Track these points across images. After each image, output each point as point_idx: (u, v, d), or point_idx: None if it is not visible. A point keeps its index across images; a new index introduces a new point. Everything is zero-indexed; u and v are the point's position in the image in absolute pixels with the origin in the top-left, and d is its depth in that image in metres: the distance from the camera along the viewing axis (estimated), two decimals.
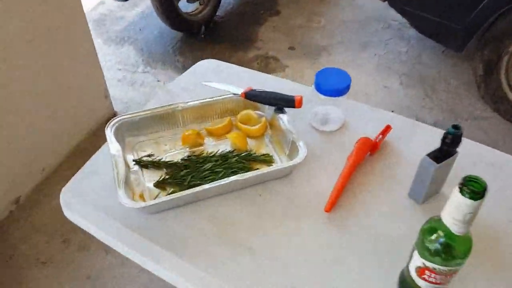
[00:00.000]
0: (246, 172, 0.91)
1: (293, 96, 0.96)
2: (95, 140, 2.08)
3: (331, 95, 0.95)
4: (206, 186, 0.83)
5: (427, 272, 0.64)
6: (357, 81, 2.41)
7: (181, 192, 0.82)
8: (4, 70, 1.57)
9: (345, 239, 0.81)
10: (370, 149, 0.94)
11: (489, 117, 2.17)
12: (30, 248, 1.65)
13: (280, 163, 0.94)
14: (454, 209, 0.58)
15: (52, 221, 1.72)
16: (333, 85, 0.95)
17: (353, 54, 2.62)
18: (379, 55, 2.59)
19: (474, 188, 0.55)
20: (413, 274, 0.67)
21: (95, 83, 2.09)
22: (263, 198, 0.88)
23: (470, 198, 0.55)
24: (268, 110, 1.02)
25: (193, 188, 0.83)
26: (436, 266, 0.63)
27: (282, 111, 0.98)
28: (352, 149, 0.95)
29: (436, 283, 0.65)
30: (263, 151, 0.97)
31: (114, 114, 2.22)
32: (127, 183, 0.85)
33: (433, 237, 0.62)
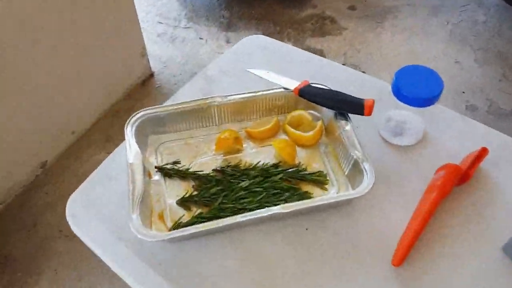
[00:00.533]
0: (292, 195, 0.72)
1: (362, 100, 0.74)
2: (130, 103, 1.94)
3: (414, 105, 0.72)
4: (240, 218, 0.65)
5: None
6: (423, 52, 2.10)
7: (208, 224, 0.64)
8: (33, 25, 1.41)
9: None
10: (458, 181, 0.72)
11: None
12: (54, 217, 1.56)
13: (336, 185, 0.74)
14: None
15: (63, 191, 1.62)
16: (419, 92, 0.71)
17: (422, 20, 2.27)
18: (452, 23, 2.24)
19: None
20: None
21: (132, 39, 1.91)
22: (310, 233, 0.69)
23: None
24: (327, 111, 0.80)
25: (223, 219, 0.65)
26: None
27: (346, 118, 0.77)
28: (433, 176, 0.73)
29: None
30: (316, 165, 0.77)
31: (152, 75, 2.06)
32: (144, 200, 0.68)
33: None
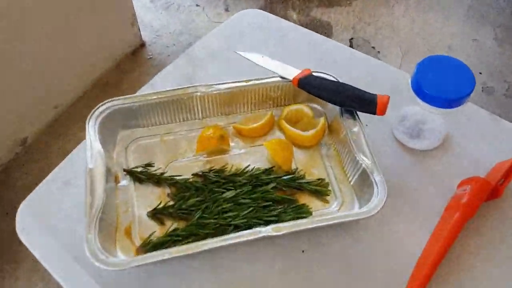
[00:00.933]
0: (287, 208, 0.60)
1: (374, 97, 0.60)
2: (118, 75, 1.79)
3: (438, 106, 0.59)
4: (221, 242, 0.53)
5: None
6: (439, 28, 1.93)
7: (182, 249, 0.52)
8: None
9: None
10: (486, 198, 0.59)
11: None
12: None
13: (340, 196, 0.62)
14: None
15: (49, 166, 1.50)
16: (445, 90, 0.58)
17: None
18: None
19: None
20: None
21: (120, 5, 1.74)
22: (307, 257, 0.58)
23: None
24: (331, 106, 0.67)
25: (202, 243, 0.53)
26: None
27: (354, 116, 0.64)
28: (455, 189, 0.61)
29: None
30: (315, 171, 0.65)
31: (143, 45, 1.90)
32: (107, 211, 0.56)
33: None
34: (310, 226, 0.54)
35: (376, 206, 0.55)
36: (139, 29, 1.87)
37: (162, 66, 1.87)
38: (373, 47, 1.85)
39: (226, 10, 2.04)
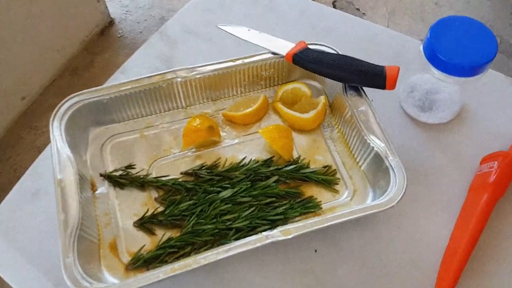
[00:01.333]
0: (293, 204, 0.53)
1: (382, 69, 0.53)
2: (88, 57, 1.66)
3: (456, 74, 0.51)
4: (224, 254, 0.45)
5: None
6: None
7: (182, 265, 0.45)
8: None
9: None
10: None
11: None
12: None
13: (350, 183, 0.55)
14: None
15: (24, 162, 1.40)
16: (464, 56, 0.50)
17: None
18: None
19: None
20: None
21: None
22: (320, 256, 0.51)
23: None
24: (332, 82, 0.59)
25: (204, 257, 0.45)
26: None
27: (360, 93, 0.56)
28: (478, 167, 0.54)
29: None
30: (320, 158, 0.57)
31: (111, 22, 1.76)
32: (86, 227, 0.48)
33: None
34: (322, 226, 0.47)
35: (396, 195, 0.48)
36: (106, 6, 1.73)
37: (134, 44, 1.75)
38: (358, 9, 1.76)
39: None
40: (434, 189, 0.55)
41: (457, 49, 0.51)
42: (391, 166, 0.50)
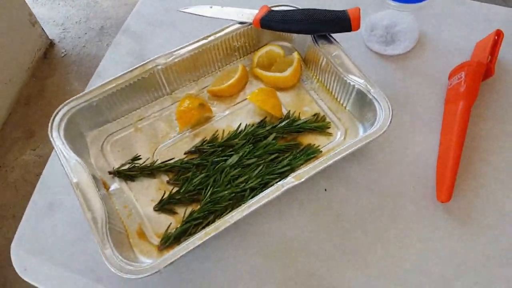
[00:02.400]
0: (296, 154, 0.57)
1: (345, 12, 0.57)
2: (38, 83, 1.62)
3: (413, 1, 0.56)
4: (247, 210, 0.49)
5: None
6: None
7: (212, 228, 0.48)
8: None
9: (483, 234, 0.51)
10: (481, 78, 0.59)
11: None
12: None
13: (340, 124, 0.60)
14: None
15: (5, 202, 1.37)
16: None
17: None
18: None
19: None
20: None
21: (14, 6, 1.54)
22: (331, 194, 0.56)
23: None
24: (300, 38, 0.63)
25: (232, 215, 0.48)
26: None
27: (329, 40, 0.60)
28: (448, 82, 0.60)
29: None
30: (307, 109, 0.62)
31: (52, 44, 1.72)
32: (112, 221, 0.50)
33: None
34: (327, 164, 0.51)
35: (385, 122, 0.53)
36: (42, 28, 1.68)
37: (81, 60, 1.72)
38: None
39: None
40: (414, 112, 0.60)
41: None
42: (375, 97, 0.55)
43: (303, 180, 0.50)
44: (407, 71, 0.63)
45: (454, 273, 0.50)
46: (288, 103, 0.62)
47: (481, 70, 0.57)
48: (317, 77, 0.63)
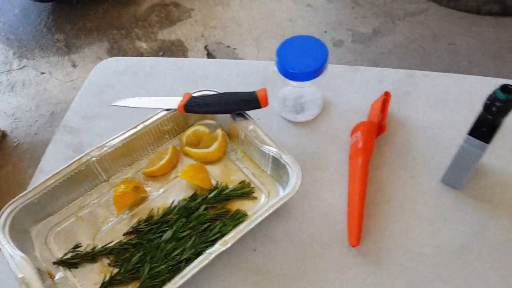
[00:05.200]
0: (225, 221, 0.63)
1: (254, 93, 0.66)
2: None
3: (306, 79, 0.66)
4: (178, 282, 0.54)
5: None
6: (275, 7, 2.08)
7: None
8: None
9: (391, 272, 0.58)
10: (376, 135, 0.69)
11: (426, 9, 1.99)
12: None
13: (264, 188, 0.67)
14: None
15: None
16: (306, 64, 0.65)
17: None
18: None
19: None
20: None
21: None
22: (260, 253, 0.62)
23: None
24: (223, 116, 0.71)
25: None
26: None
27: (245, 117, 0.68)
28: (350, 140, 0.69)
29: None
30: (234, 177, 0.69)
31: (3, 135, 1.75)
32: None
33: None
34: (250, 227, 0.58)
35: (297, 182, 0.61)
36: None
37: (33, 147, 1.75)
38: (228, 46, 1.94)
39: (74, 66, 1.96)
40: (324, 169, 0.68)
41: (300, 61, 0.66)
42: (287, 162, 0.63)
43: (229, 245, 0.56)
44: (317, 134, 0.72)
45: None
46: (217, 174, 0.69)
47: (374, 128, 0.67)
48: (240, 148, 0.71)
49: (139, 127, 0.68)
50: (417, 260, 0.59)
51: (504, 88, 0.53)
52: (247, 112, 0.68)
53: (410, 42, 1.87)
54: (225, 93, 0.67)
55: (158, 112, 0.70)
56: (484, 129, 0.57)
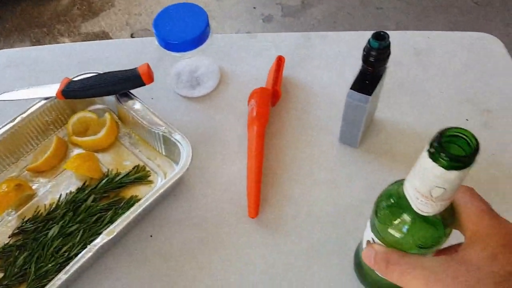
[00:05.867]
0: (118, 209, 0.60)
1: (135, 70, 0.62)
2: None
3: (187, 49, 0.63)
4: (61, 278, 0.50)
5: None
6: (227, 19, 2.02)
7: None
8: None
9: (292, 238, 0.56)
10: (272, 101, 0.66)
11: None
12: None
13: (160, 170, 0.63)
14: (418, 178, 0.34)
15: None
16: (184, 33, 0.62)
17: None
18: None
19: (455, 152, 0.30)
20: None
21: None
22: (156, 238, 0.58)
23: (446, 166, 0.30)
24: (109, 99, 0.67)
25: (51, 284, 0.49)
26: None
27: (130, 97, 0.64)
28: (248, 110, 0.67)
29: None
30: (127, 163, 0.65)
31: None
32: None
33: (387, 208, 0.40)
34: (137, 212, 0.54)
35: (187, 159, 0.58)
36: None
37: None
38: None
39: None
40: (224, 143, 0.65)
41: (182, 29, 0.62)
42: (176, 139, 0.60)
43: (114, 234, 0.53)
44: (215, 107, 0.69)
45: (273, 276, 0.54)
46: (108, 162, 0.65)
47: (267, 95, 0.64)
48: (134, 132, 0.67)
49: (16, 120, 0.63)
50: (317, 222, 0.58)
51: (377, 35, 0.51)
52: (132, 91, 0.64)
53: (338, 10, 1.86)
54: (105, 73, 0.63)
55: (37, 102, 0.64)
56: (366, 81, 0.55)
